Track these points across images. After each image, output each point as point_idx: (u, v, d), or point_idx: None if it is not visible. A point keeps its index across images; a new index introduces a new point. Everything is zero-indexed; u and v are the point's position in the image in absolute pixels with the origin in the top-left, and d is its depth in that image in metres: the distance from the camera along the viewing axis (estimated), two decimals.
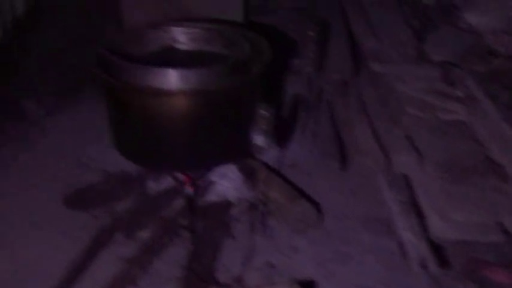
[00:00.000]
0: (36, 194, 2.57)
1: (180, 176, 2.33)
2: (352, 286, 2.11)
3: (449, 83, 2.67)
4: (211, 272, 2.13)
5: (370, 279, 2.14)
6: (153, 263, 2.17)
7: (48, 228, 2.37)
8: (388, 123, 2.69)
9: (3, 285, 2.11)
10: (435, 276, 2.04)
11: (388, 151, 2.52)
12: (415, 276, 2.08)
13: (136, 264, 2.13)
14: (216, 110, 2.09)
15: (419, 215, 2.27)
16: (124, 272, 2.10)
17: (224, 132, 2.17)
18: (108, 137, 2.76)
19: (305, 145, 2.88)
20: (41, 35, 3.02)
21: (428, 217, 2.22)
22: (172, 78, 2.02)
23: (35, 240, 2.30)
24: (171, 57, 2.45)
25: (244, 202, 2.44)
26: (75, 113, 3.28)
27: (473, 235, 2.13)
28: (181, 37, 2.52)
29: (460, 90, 2.67)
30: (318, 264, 2.22)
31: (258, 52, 2.26)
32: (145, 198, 2.48)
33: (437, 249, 2.16)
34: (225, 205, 2.44)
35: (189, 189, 2.32)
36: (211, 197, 2.48)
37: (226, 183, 2.54)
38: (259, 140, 1.96)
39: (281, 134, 2.54)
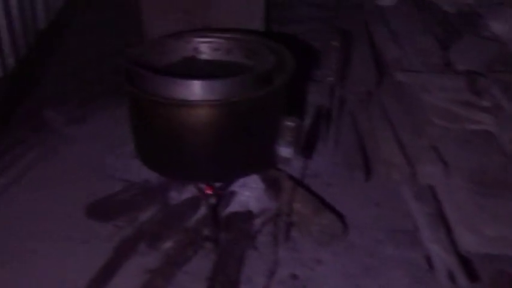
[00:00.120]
0: (58, 203, 2.58)
1: (203, 187, 2.31)
2: None
3: (475, 93, 2.63)
4: (235, 284, 2.11)
5: None
6: (177, 275, 2.15)
7: (71, 238, 2.38)
8: (412, 133, 2.65)
9: None
10: None
11: (413, 162, 2.47)
12: None
13: (159, 276, 2.12)
14: (240, 121, 2.08)
15: (447, 228, 2.22)
16: (148, 284, 2.08)
17: (248, 143, 2.14)
18: (130, 147, 2.77)
19: (328, 156, 2.84)
20: (63, 47, 3.04)
21: (456, 230, 2.17)
22: (196, 89, 2.01)
23: (57, 251, 2.31)
24: (193, 68, 2.45)
25: (267, 213, 2.42)
26: (97, 122, 3.30)
27: (503, 249, 2.07)
28: (204, 47, 2.51)
29: (486, 99, 2.62)
30: (343, 277, 2.19)
31: (281, 62, 2.24)
32: (168, 209, 2.48)
33: (465, 262, 2.12)
34: (247, 216, 2.42)
35: (212, 200, 2.30)
36: (234, 207, 2.46)
37: (248, 193, 2.52)
38: (284, 151, 1.94)
39: (306, 145, 2.52)
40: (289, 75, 2.18)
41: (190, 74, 2.17)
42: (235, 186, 2.50)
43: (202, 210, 2.39)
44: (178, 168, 2.20)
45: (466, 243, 2.12)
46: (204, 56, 2.51)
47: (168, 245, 2.27)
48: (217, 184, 2.34)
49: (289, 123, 1.93)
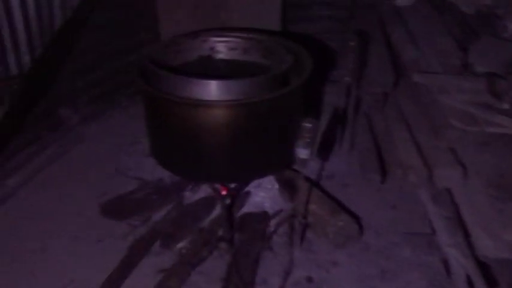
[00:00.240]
0: (72, 202, 2.59)
1: (218, 187, 2.30)
2: None
3: (494, 95, 2.59)
4: (250, 286, 2.10)
5: None
6: (191, 275, 2.14)
7: (85, 237, 2.38)
8: (430, 135, 2.61)
9: None
10: None
11: (430, 164, 2.44)
12: None
13: (174, 276, 2.11)
14: (257, 121, 2.06)
15: (465, 232, 2.19)
16: (162, 284, 2.08)
17: (265, 144, 2.13)
18: (142, 145, 2.77)
19: (343, 156, 2.83)
20: (78, 45, 3.04)
21: (474, 234, 2.14)
22: (213, 89, 2.00)
23: (72, 250, 2.31)
24: (209, 67, 2.44)
25: (283, 214, 2.40)
26: (110, 120, 3.31)
27: None
28: (220, 46, 2.50)
29: (505, 102, 2.58)
30: (358, 279, 2.17)
31: (298, 62, 2.22)
32: (182, 208, 2.46)
33: (483, 267, 2.09)
34: (262, 216, 2.41)
35: (226, 200, 2.28)
36: (249, 208, 2.45)
37: (263, 194, 2.51)
38: (302, 152, 1.91)
39: (323, 146, 2.50)
40: (307, 76, 2.15)
41: (207, 74, 2.16)
42: (250, 187, 2.49)
43: (217, 211, 2.38)
44: (194, 168, 2.19)
45: (484, 248, 2.10)
46: (220, 56, 2.50)
47: (182, 245, 2.26)
48: (232, 184, 2.33)
49: (307, 124, 1.91)
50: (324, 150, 2.52)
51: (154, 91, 2.09)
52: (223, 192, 2.28)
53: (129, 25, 3.36)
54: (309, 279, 2.16)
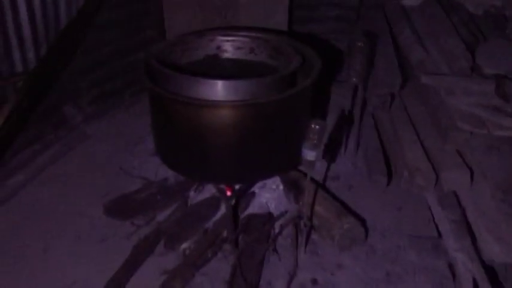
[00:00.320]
0: (76, 201, 2.57)
1: (223, 187, 2.28)
2: None
3: (502, 97, 2.56)
4: None
5: None
6: (195, 276, 2.13)
7: (88, 237, 2.36)
8: (437, 138, 2.60)
9: None
10: None
11: (437, 167, 2.42)
12: None
13: (177, 277, 2.09)
14: (264, 122, 2.04)
15: (471, 236, 2.17)
16: (165, 285, 2.06)
17: (272, 145, 2.11)
18: (146, 145, 2.75)
19: (349, 158, 2.81)
20: (82, 44, 3.02)
21: (481, 238, 2.13)
22: (220, 89, 1.98)
23: (75, 250, 2.30)
24: (216, 67, 2.42)
25: (288, 215, 2.39)
26: (114, 119, 3.29)
27: None
28: (227, 46, 2.48)
29: None
30: (363, 282, 2.15)
31: (306, 63, 2.20)
32: (186, 209, 2.45)
33: (490, 271, 2.07)
34: (267, 218, 2.39)
35: (231, 201, 2.27)
36: (254, 209, 2.43)
37: (268, 195, 2.50)
38: (309, 154, 1.89)
39: (329, 148, 2.48)
40: (315, 77, 2.13)
41: (213, 73, 2.14)
42: (254, 188, 2.47)
43: (222, 211, 2.36)
44: (200, 169, 2.17)
45: (491, 253, 2.08)
46: (227, 55, 2.48)
47: (186, 245, 2.25)
48: (237, 185, 2.31)
49: (314, 125, 1.88)
50: (330, 151, 2.50)
51: (160, 90, 2.07)
52: (228, 193, 2.27)
53: (135, 23, 3.35)
54: (314, 282, 2.14)
